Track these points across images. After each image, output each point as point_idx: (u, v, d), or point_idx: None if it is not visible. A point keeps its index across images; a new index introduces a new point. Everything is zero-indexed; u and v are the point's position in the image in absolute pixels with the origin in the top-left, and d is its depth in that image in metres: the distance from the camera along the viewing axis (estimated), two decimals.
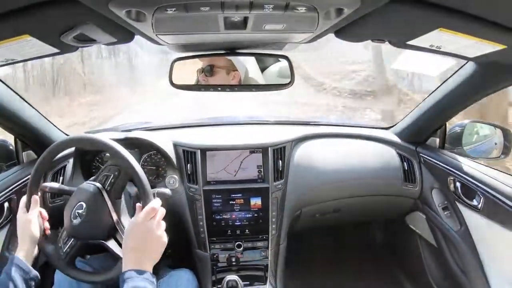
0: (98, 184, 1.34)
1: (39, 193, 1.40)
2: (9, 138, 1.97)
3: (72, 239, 1.35)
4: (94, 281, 1.38)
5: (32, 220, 1.34)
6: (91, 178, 1.40)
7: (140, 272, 1.08)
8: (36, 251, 1.34)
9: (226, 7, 0.90)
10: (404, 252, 2.57)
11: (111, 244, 1.32)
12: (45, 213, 1.42)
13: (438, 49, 1.24)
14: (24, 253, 1.27)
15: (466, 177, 1.77)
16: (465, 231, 1.83)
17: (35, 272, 1.27)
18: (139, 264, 1.11)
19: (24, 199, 1.40)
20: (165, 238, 1.22)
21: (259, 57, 1.67)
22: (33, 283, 1.26)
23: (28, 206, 1.37)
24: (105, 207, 1.31)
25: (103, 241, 1.33)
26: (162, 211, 1.25)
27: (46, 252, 1.36)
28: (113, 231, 1.32)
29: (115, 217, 1.31)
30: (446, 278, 2.10)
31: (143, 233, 1.17)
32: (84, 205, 1.30)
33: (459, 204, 1.88)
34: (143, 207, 1.23)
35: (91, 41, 1.18)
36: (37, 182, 1.40)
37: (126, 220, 1.36)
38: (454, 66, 1.74)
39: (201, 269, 1.97)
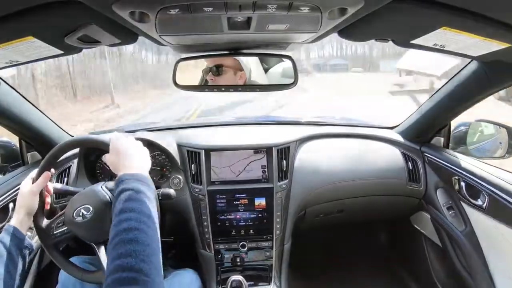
0: (112, 197, 1.35)
1: (52, 171, 1.40)
2: (14, 139, 1.98)
3: (67, 227, 1.36)
4: (71, 273, 1.40)
5: (35, 192, 1.34)
6: (109, 185, 1.40)
7: (133, 175, 1.07)
8: (30, 223, 1.34)
9: (230, 7, 0.91)
10: (408, 252, 2.56)
11: (101, 250, 1.35)
12: (50, 188, 1.42)
13: (442, 48, 1.24)
14: (19, 223, 1.27)
15: (471, 177, 1.77)
16: (470, 231, 1.83)
17: (29, 241, 1.28)
18: (133, 170, 1.11)
19: (34, 172, 1.39)
20: (143, 146, 1.26)
21: (263, 57, 1.67)
22: (27, 252, 1.27)
23: (35, 179, 1.36)
24: (110, 220, 1.32)
25: (94, 245, 1.35)
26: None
27: (38, 225, 1.37)
28: (105, 243, 1.34)
29: None
30: (451, 278, 2.09)
31: (123, 144, 1.20)
32: (91, 209, 1.30)
33: (463, 204, 1.87)
34: (106, 147, 1.26)
35: (95, 42, 1.18)
36: (52, 161, 1.40)
37: None
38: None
39: (206, 269, 1.97)
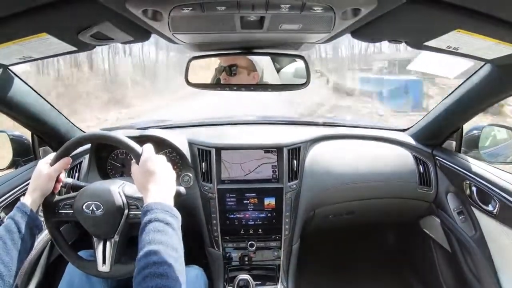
0: (126, 204, 1.36)
1: (70, 159, 1.41)
2: (26, 134, 2.00)
3: (73, 211, 1.37)
4: (67, 255, 1.42)
5: (53, 177, 1.35)
6: (126, 191, 1.40)
7: (161, 205, 1.08)
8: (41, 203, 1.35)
9: (242, 6, 0.91)
10: (417, 256, 2.55)
11: (100, 246, 1.37)
12: (62, 177, 1.42)
13: (455, 51, 1.23)
14: (32, 202, 1.28)
15: (482, 182, 1.75)
16: (480, 237, 1.81)
17: (39, 221, 1.29)
18: (159, 197, 1.11)
19: (51, 156, 1.39)
20: (172, 169, 1.26)
21: (275, 57, 1.67)
22: (36, 232, 1.28)
23: (53, 163, 1.36)
24: (117, 223, 1.34)
25: (95, 238, 1.38)
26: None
27: (46, 200, 1.37)
28: (106, 241, 1.37)
29: (116, 237, 1.35)
30: (459, 284, 2.07)
31: (154, 165, 1.19)
32: (102, 208, 1.32)
33: (474, 209, 1.86)
34: (136, 157, 1.25)
35: (108, 39, 1.19)
36: (72, 147, 1.40)
37: (115, 246, 1.38)
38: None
39: (213, 267, 1.98)
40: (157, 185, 1.15)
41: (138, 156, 1.24)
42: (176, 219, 1.08)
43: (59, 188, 1.42)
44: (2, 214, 1.62)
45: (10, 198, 1.66)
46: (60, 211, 1.39)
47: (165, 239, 1.00)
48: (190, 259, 1.25)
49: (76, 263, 1.41)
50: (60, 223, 1.45)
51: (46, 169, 1.34)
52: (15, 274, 1.15)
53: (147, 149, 1.24)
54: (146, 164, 1.19)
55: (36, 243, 1.64)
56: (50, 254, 1.84)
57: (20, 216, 1.22)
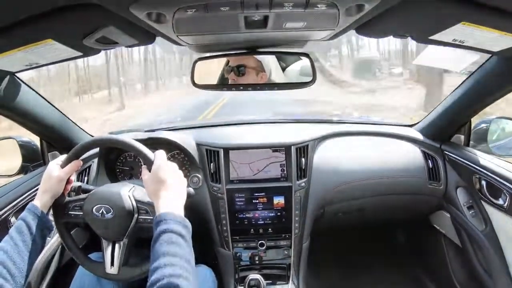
0: (136, 209, 1.36)
1: (80, 162, 1.41)
2: (34, 139, 2.01)
3: (82, 213, 1.38)
4: (75, 256, 1.42)
5: (63, 179, 1.35)
6: (136, 195, 1.40)
7: (173, 215, 1.09)
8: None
9: (246, 6, 0.91)
10: (428, 252, 2.53)
11: (108, 248, 1.37)
12: (73, 178, 1.43)
13: (461, 44, 1.22)
14: (42, 204, 1.29)
15: (492, 175, 1.74)
16: (491, 231, 1.80)
17: (50, 222, 1.30)
18: (171, 206, 1.13)
19: (61, 158, 1.40)
20: (184, 177, 1.27)
21: (281, 56, 1.67)
22: (47, 233, 1.29)
23: (63, 165, 1.36)
24: (126, 227, 1.34)
25: (103, 240, 1.38)
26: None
27: (56, 201, 1.37)
28: (114, 243, 1.37)
29: (125, 239, 1.35)
30: (470, 279, 2.06)
31: (166, 173, 1.20)
32: (112, 211, 1.32)
33: (484, 203, 1.85)
34: (147, 164, 1.26)
35: (113, 43, 1.20)
36: (83, 150, 1.40)
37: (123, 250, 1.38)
38: None
39: (224, 267, 1.99)
40: (168, 193, 1.16)
41: (150, 163, 1.25)
42: (187, 230, 1.09)
43: (69, 190, 1.43)
44: (13, 219, 1.63)
45: (21, 203, 1.67)
46: (69, 212, 1.39)
47: (179, 251, 1.01)
48: (199, 259, 1.26)
49: (85, 265, 1.42)
50: (70, 224, 1.45)
51: (56, 170, 1.34)
52: (26, 275, 1.17)
53: (159, 156, 1.25)
54: (158, 172, 1.20)
55: (48, 246, 1.66)
56: (62, 257, 1.85)
57: (31, 218, 1.23)
